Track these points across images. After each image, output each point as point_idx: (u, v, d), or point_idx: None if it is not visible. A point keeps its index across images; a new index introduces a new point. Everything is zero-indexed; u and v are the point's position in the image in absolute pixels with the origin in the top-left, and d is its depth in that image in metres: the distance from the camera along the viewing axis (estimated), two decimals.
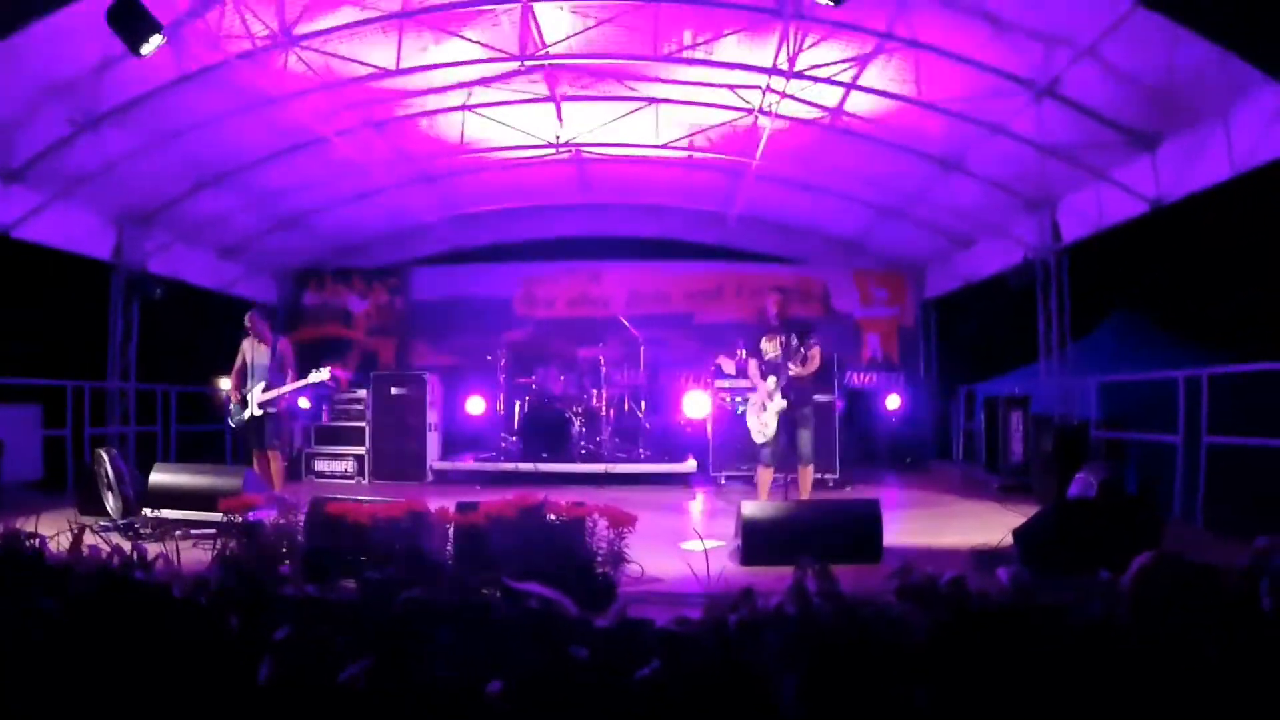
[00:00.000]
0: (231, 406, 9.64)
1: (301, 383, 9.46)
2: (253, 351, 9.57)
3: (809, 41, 9.68)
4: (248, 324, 9.67)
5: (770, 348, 8.63)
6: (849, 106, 11.22)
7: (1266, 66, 7.50)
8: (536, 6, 9.55)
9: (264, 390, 9.38)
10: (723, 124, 12.54)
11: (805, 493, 8.58)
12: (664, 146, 13.31)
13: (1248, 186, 8.49)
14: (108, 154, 10.66)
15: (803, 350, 8.44)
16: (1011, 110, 10.06)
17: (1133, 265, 11.50)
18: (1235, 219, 9.67)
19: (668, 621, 3.55)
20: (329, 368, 9.47)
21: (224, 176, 12.66)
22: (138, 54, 8.06)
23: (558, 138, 13.07)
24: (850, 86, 10.65)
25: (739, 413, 9.00)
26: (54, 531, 5.76)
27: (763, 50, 10.10)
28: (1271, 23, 6.98)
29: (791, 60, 9.81)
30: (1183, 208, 9.57)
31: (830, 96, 11.03)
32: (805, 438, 8.54)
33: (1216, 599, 3.39)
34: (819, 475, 12.06)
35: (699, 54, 10.26)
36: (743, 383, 8.84)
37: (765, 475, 8.65)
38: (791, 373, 8.39)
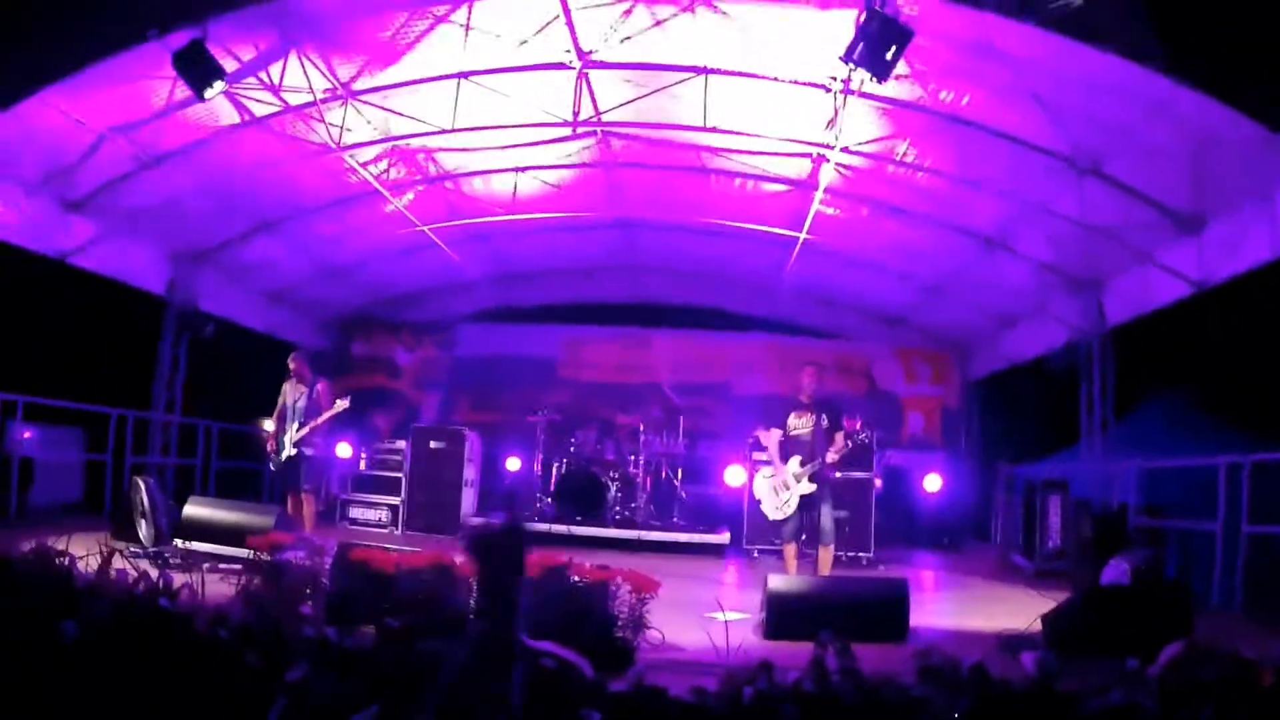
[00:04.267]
0: (271, 451, 9.73)
1: (326, 415, 9.52)
2: (293, 394, 9.70)
3: (858, 118, 9.78)
4: (291, 365, 9.83)
5: (800, 425, 8.54)
6: (894, 181, 11.26)
7: None
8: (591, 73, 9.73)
9: (298, 431, 9.49)
10: (773, 195, 12.62)
11: (824, 573, 8.35)
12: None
13: None
14: (167, 192, 10.99)
15: (832, 433, 8.39)
16: (1056, 189, 9.98)
17: (1176, 348, 11.34)
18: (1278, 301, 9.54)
19: (683, 690, 3.51)
20: (349, 398, 9.53)
21: (277, 223, 12.94)
22: (202, 98, 8.33)
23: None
24: (896, 163, 10.72)
25: (756, 491, 8.89)
26: (85, 553, 5.84)
27: (813, 125, 10.21)
28: None
29: (838, 133, 9.90)
30: (1226, 290, 9.43)
31: (877, 170, 11.08)
32: (826, 513, 8.37)
33: (1249, 690, 3.30)
34: (853, 554, 11.94)
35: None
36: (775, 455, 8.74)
37: (790, 550, 8.55)
38: (829, 462, 8.29)
